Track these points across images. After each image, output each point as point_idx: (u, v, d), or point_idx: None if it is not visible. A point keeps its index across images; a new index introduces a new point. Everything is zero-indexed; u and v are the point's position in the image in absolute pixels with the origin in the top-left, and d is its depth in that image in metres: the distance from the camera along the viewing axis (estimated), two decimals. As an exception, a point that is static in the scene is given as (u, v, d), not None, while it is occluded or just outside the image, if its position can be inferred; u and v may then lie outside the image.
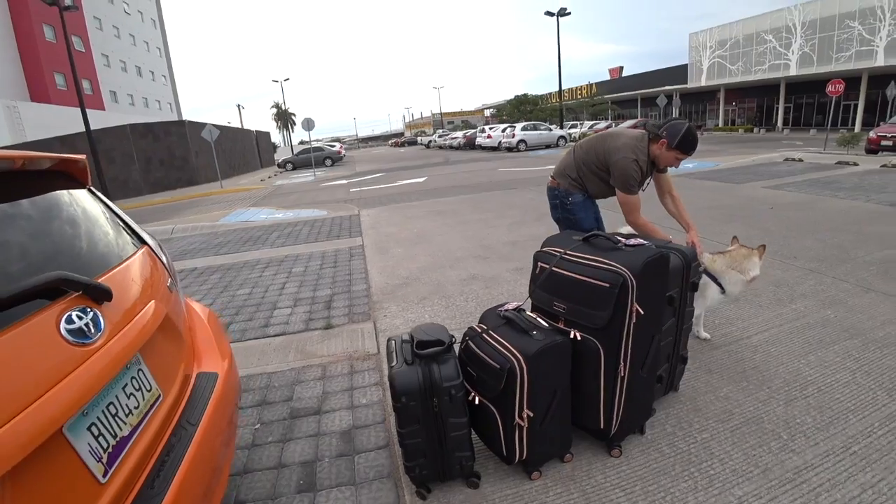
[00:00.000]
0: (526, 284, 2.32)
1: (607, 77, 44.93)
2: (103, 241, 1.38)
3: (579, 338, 1.66)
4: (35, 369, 0.89)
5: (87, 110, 16.29)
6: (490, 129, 28.35)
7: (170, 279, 1.59)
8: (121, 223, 1.56)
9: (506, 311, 1.77)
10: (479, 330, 1.75)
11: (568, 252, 1.82)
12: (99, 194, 1.56)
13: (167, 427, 1.22)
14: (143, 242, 1.59)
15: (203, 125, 18.40)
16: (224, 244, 7.10)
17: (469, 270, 4.59)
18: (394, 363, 1.65)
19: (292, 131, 63.65)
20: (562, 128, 27.85)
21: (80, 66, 17.84)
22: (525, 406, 1.61)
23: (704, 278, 2.45)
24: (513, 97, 44.12)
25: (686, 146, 2.35)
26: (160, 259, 1.63)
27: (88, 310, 1.04)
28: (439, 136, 36.37)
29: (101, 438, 0.99)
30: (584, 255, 1.76)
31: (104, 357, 1.02)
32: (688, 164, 11.21)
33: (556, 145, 24.56)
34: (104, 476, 0.96)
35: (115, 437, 1.03)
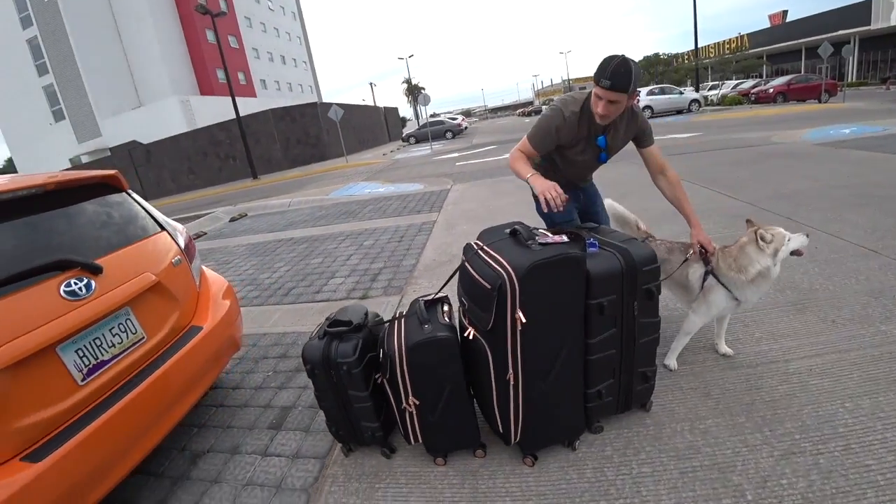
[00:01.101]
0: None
1: (767, 24, 38.65)
2: (128, 230, 2.04)
3: (471, 337, 1.65)
4: (38, 312, 1.53)
5: (242, 98, 19.24)
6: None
7: (178, 256, 2.22)
8: (149, 217, 2.23)
9: (422, 301, 1.88)
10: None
11: (483, 246, 1.70)
12: (135, 196, 2.24)
13: (147, 359, 1.85)
14: (163, 229, 2.24)
15: (330, 106, 20.40)
16: (323, 217, 8.13)
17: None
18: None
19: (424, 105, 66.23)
20: (697, 90, 24.85)
21: (235, 61, 21.15)
22: (411, 393, 1.71)
23: (712, 281, 2.06)
24: (641, 58, 40.35)
25: (596, 75, 1.85)
26: (176, 241, 2.27)
27: (83, 279, 1.68)
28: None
29: (84, 358, 1.62)
30: (492, 251, 1.63)
31: (90, 309, 1.64)
32: (844, 129, 9.36)
33: (689, 110, 21.89)
34: (82, 381, 1.59)
35: (96, 359, 1.66)
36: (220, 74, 35.45)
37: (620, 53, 1.82)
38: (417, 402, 1.73)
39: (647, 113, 21.42)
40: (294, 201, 10.43)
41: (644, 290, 1.71)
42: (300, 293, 4.32)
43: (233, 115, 19.90)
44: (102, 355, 1.70)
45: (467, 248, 1.79)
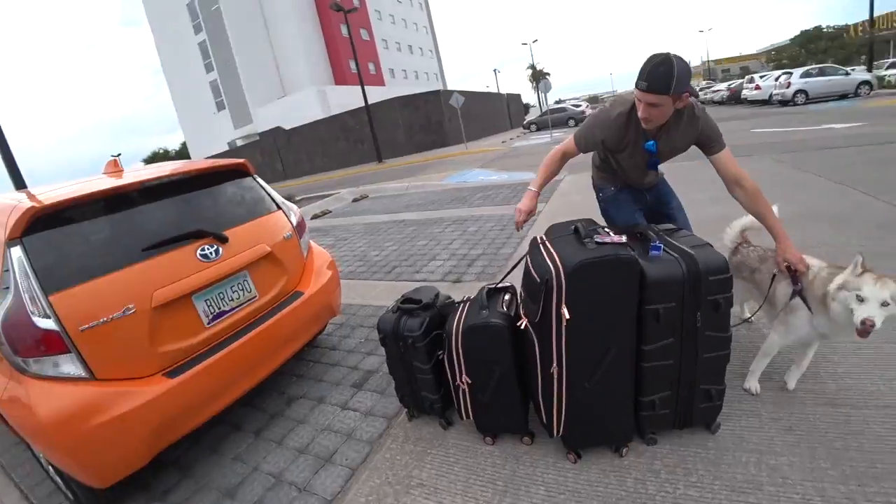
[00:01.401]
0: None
1: None
2: (250, 208, 2.49)
3: (522, 327, 1.70)
4: (181, 269, 1.98)
5: (371, 87, 20.73)
6: (761, 77, 22.14)
7: (290, 232, 2.62)
8: (269, 198, 2.66)
9: (488, 288, 2.00)
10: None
11: (546, 240, 1.75)
12: (259, 180, 2.70)
13: (257, 313, 2.27)
14: (279, 209, 2.67)
15: (452, 94, 20.99)
16: (435, 201, 8.55)
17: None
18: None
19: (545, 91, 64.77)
20: (870, 69, 20.17)
21: (366, 52, 22.82)
22: (464, 371, 1.87)
23: (798, 302, 1.79)
24: (797, 33, 34.32)
25: (639, 77, 1.73)
26: (289, 219, 2.69)
27: (214, 246, 2.12)
28: (700, 90, 30.98)
29: (210, 307, 2.07)
30: (551, 245, 1.67)
31: (217, 269, 2.08)
32: None
33: (856, 94, 17.88)
34: (208, 324, 2.03)
35: (219, 308, 2.10)
36: (353, 65, 38.50)
37: (666, 52, 1.71)
38: (469, 381, 1.88)
39: (801, 98, 18.23)
40: (411, 185, 11.05)
41: (710, 301, 1.58)
42: (401, 272, 4.69)
43: (363, 104, 21.47)
44: (224, 306, 2.13)
45: (532, 242, 1.85)
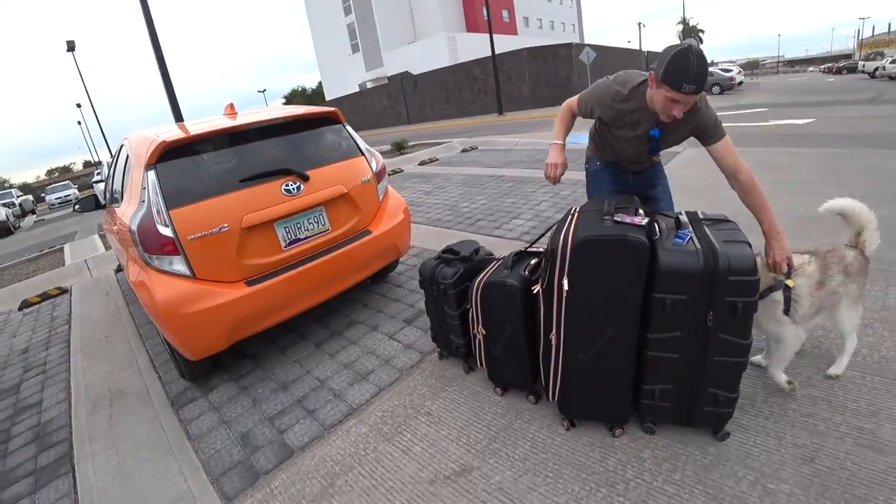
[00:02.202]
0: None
1: None
2: (335, 152, 2.81)
3: (535, 292, 1.78)
4: (268, 199, 2.38)
5: (502, 35, 20.26)
6: None
7: (368, 176, 2.91)
8: (355, 144, 2.96)
9: (517, 251, 2.16)
10: None
11: (575, 212, 1.83)
12: (348, 128, 3.00)
13: (329, 244, 2.63)
14: (362, 154, 2.96)
15: (583, 47, 19.71)
16: (539, 160, 8.40)
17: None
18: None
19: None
20: None
21: None
22: (480, 322, 2.03)
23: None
24: None
25: (673, 78, 1.62)
26: (370, 165, 2.97)
27: (297, 183, 2.48)
28: (892, 62, 25.29)
29: (289, 233, 2.46)
30: (576, 218, 1.74)
31: (297, 203, 2.46)
32: None
33: None
34: (285, 247, 2.44)
35: (295, 236, 2.49)
36: (486, 13, 37.54)
37: (688, 44, 1.59)
38: (485, 333, 2.04)
39: None
40: (521, 141, 10.92)
41: (727, 303, 1.48)
42: (483, 226, 4.86)
43: (489, 54, 21.10)
44: (300, 234, 2.52)
45: (567, 211, 1.88)
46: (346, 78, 40.10)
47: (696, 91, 1.62)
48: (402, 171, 9.27)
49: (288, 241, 2.47)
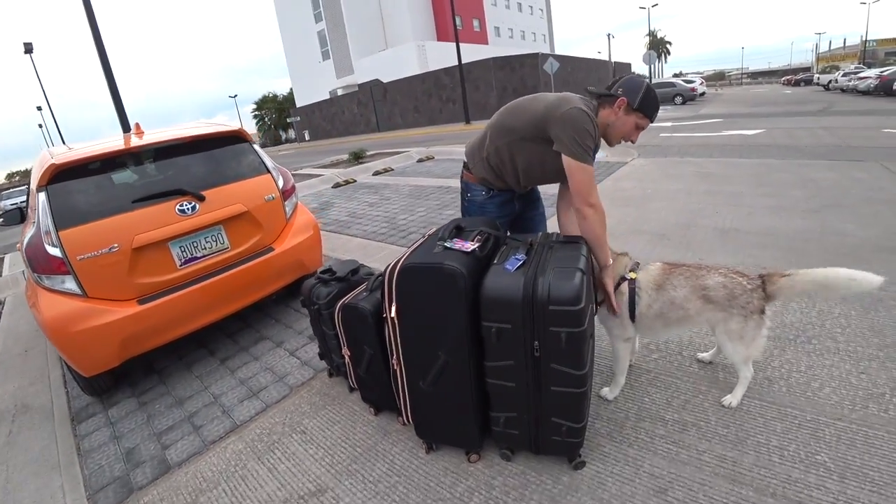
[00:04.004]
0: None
1: None
2: (238, 171, 2.90)
3: (385, 316, 1.76)
4: (160, 220, 2.45)
5: (473, 45, 20.64)
6: (929, 65, 18.66)
7: (273, 194, 3.00)
8: (261, 162, 3.06)
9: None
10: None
11: (424, 235, 1.85)
12: (256, 147, 3.09)
13: (227, 262, 2.72)
14: (268, 172, 3.06)
15: (548, 58, 20.18)
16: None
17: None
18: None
19: (665, 62, 59.42)
20: None
21: (471, 8, 22.29)
22: (345, 344, 2.09)
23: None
24: None
25: (649, 107, 1.85)
26: (276, 183, 3.07)
27: (192, 203, 2.56)
28: (843, 76, 26.94)
29: (184, 252, 2.54)
30: (419, 242, 1.76)
31: (191, 222, 2.54)
32: None
33: None
34: (180, 266, 2.52)
35: (191, 254, 2.57)
36: (458, 21, 37.90)
37: (646, 77, 1.78)
38: (350, 354, 2.08)
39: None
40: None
41: (552, 332, 1.45)
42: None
43: (459, 62, 21.41)
44: (196, 253, 2.60)
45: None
46: (317, 85, 40.00)
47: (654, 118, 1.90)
48: (356, 181, 9.34)
49: (184, 260, 2.56)
